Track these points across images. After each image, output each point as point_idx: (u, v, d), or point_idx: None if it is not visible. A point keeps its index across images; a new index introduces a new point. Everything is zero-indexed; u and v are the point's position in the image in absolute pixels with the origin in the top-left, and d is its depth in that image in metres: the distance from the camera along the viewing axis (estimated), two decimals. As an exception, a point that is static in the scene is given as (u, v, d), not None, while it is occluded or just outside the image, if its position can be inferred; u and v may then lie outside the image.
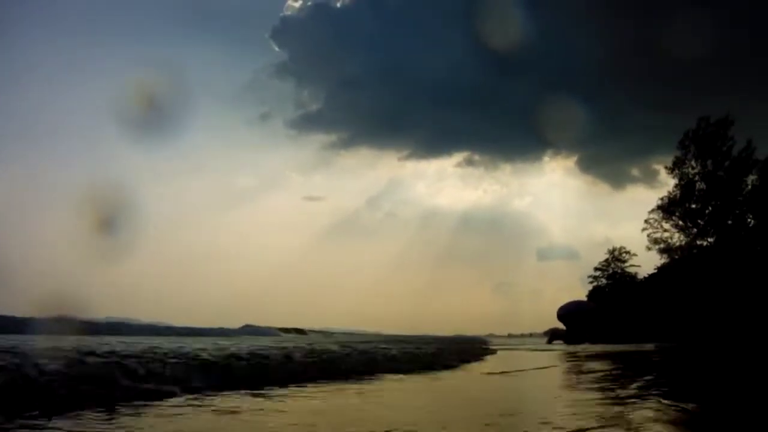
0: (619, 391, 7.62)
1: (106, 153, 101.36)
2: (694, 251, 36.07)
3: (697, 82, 52.15)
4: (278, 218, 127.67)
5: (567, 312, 52.81)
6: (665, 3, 55.45)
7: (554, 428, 4.75)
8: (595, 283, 50.64)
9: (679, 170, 36.97)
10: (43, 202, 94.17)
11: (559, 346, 42.78)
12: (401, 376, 10.17)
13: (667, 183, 38.43)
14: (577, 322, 50.28)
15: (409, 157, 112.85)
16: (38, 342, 8.31)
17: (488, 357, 19.02)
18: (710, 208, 36.02)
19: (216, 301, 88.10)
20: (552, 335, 59.29)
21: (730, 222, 35.44)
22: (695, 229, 36.51)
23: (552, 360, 18.17)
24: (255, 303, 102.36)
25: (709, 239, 36.18)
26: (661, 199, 37.67)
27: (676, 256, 36.88)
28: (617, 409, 5.90)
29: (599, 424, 4.88)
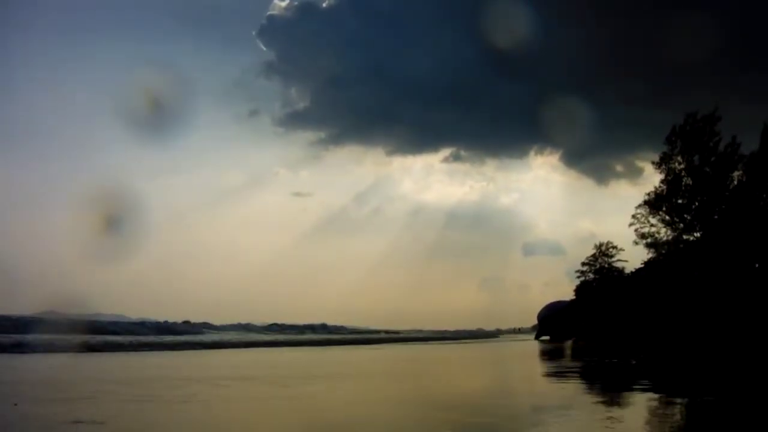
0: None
1: (93, 151, 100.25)
2: (681, 246, 36.27)
3: (680, 80, 52.64)
4: (267, 214, 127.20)
5: (545, 316, 53.23)
6: (648, 4, 55.86)
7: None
8: (582, 278, 50.90)
9: (666, 165, 37.04)
10: (26, 201, 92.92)
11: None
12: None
13: (652, 179, 38.58)
14: (557, 321, 50.60)
15: (395, 152, 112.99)
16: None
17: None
18: (697, 203, 36.20)
19: (204, 298, 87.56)
20: (539, 331, 59.52)
21: (716, 217, 35.65)
22: (682, 224, 36.70)
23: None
24: (243, 300, 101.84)
25: (696, 234, 36.40)
26: (648, 194, 37.77)
27: (663, 251, 37.06)
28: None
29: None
